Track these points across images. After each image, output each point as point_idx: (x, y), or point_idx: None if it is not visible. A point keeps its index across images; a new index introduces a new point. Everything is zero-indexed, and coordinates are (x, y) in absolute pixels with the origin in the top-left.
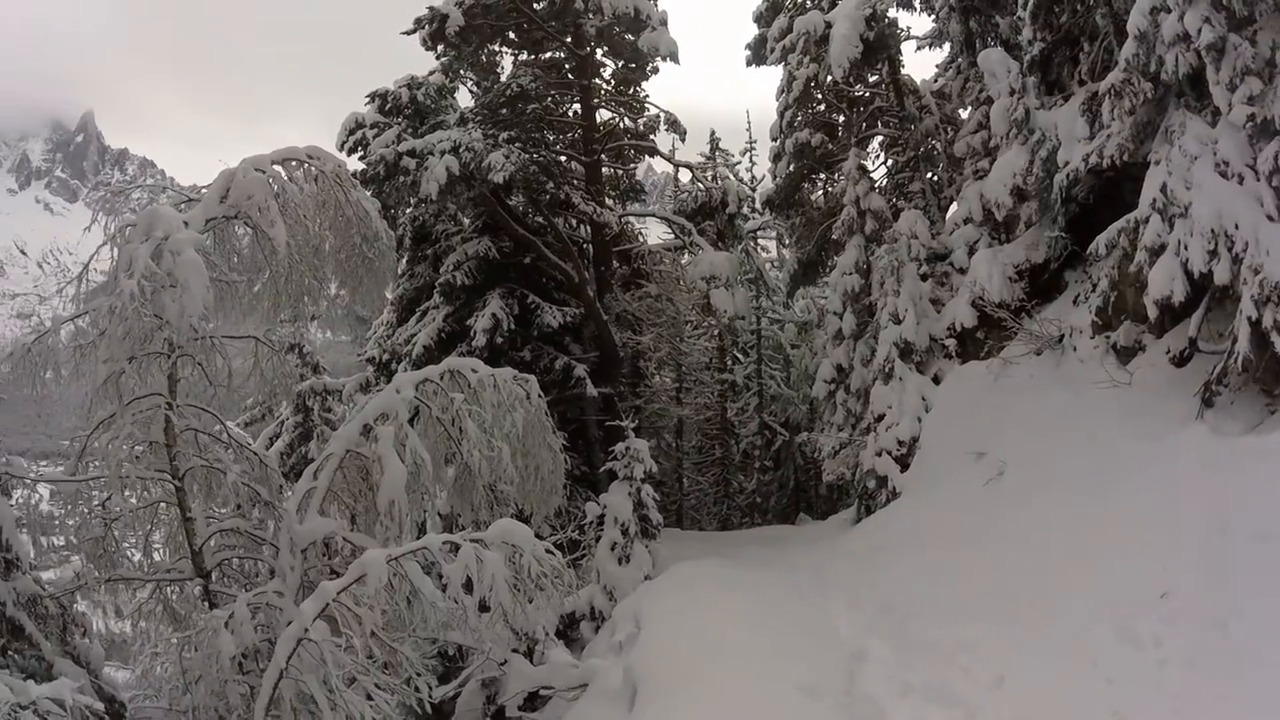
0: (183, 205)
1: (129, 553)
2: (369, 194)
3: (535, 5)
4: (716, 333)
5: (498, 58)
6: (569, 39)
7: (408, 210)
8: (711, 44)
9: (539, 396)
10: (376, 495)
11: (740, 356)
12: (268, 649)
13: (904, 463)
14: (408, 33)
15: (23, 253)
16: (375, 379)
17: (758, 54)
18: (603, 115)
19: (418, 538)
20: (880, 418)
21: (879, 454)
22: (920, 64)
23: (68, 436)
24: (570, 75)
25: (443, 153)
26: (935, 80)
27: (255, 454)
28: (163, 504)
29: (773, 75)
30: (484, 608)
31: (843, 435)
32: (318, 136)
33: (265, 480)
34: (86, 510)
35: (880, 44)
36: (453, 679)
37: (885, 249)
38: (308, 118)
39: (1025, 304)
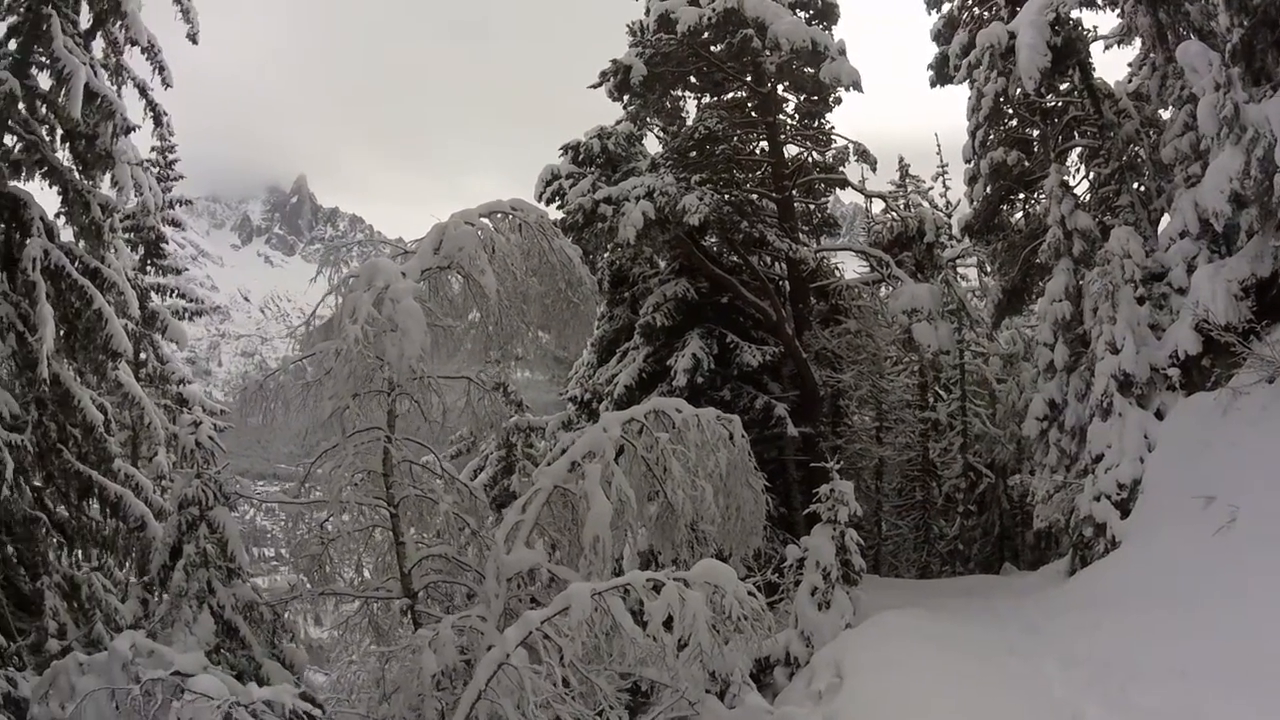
0: (399, 257)
1: (342, 570)
2: (569, 241)
3: (713, 48)
4: (918, 369)
5: (681, 102)
6: (749, 78)
7: (605, 255)
8: (886, 65)
9: (742, 436)
10: (581, 530)
11: (943, 393)
12: (465, 670)
13: (1124, 508)
14: (594, 86)
15: (246, 299)
16: (577, 417)
17: (940, 73)
18: (790, 150)
19: (614, 573)
20: (1099, 458)
21: (1097, 498)
22: (1110, 65)
23: (284, 460)
24: (754, 113)
25: (638, 198)
26: (1129, 80)
27: (465, 486)
28: (377, 528)
29: (958, 94)
30: (680, 645)
31: (1057, 478)
32: (506, 189)
33: (474, 510)
34: (306, 530)
35: (1069, 49)
36: (642, 715)
37: (1097, 271)
38: (495, 172)
39: (1254, 324)
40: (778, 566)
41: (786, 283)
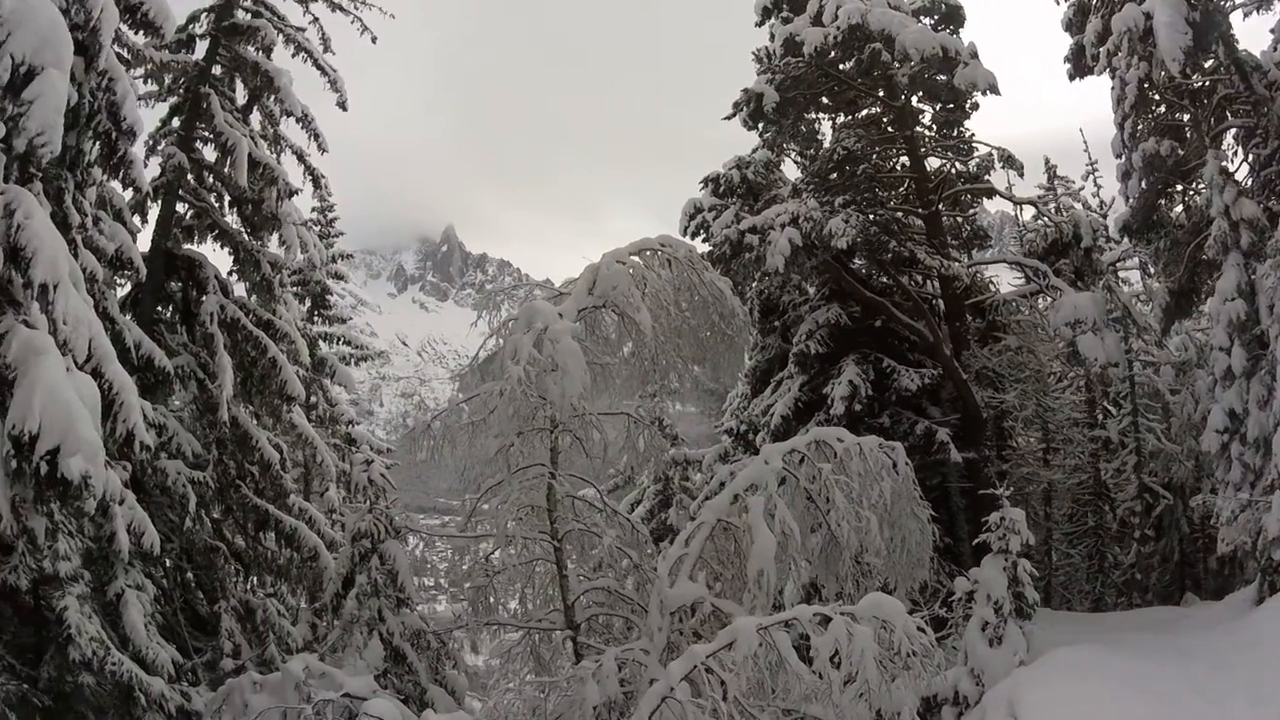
0: (554, 299)
1: (505, 601)
2: (718, 274)
3: (842, 66)
4: (1084, 384)
5: (816, 124)
6: (881, 92)
7: (753, 284)
8: (1018, 62)
9: (906, 464)
10: (744, 563)
11: (1113, 409)
12: (625, 702)
13: None
14: (728, 117)
15: (404, 343)
16: (733, 449)
17: (1078, 64)
18: (931, 163)
19: (774, 607)
20: None
21: None
22: (1252, 34)
23: (443, 495)
24: (890, 128)
25: (783, 225)
26: (1274, 49)
27: (627, 519)
28: (540, 561)
29: (1099, 85)
30: (845, 682)
31: (1241, 496)
32: (644, 225)
33: (635, 544)
34: (471, 562)
35: (1209, 22)
36: None
37: (1270, 264)
38: (631, 209)
39: None
40: (945, 600)
41: (940, 301)
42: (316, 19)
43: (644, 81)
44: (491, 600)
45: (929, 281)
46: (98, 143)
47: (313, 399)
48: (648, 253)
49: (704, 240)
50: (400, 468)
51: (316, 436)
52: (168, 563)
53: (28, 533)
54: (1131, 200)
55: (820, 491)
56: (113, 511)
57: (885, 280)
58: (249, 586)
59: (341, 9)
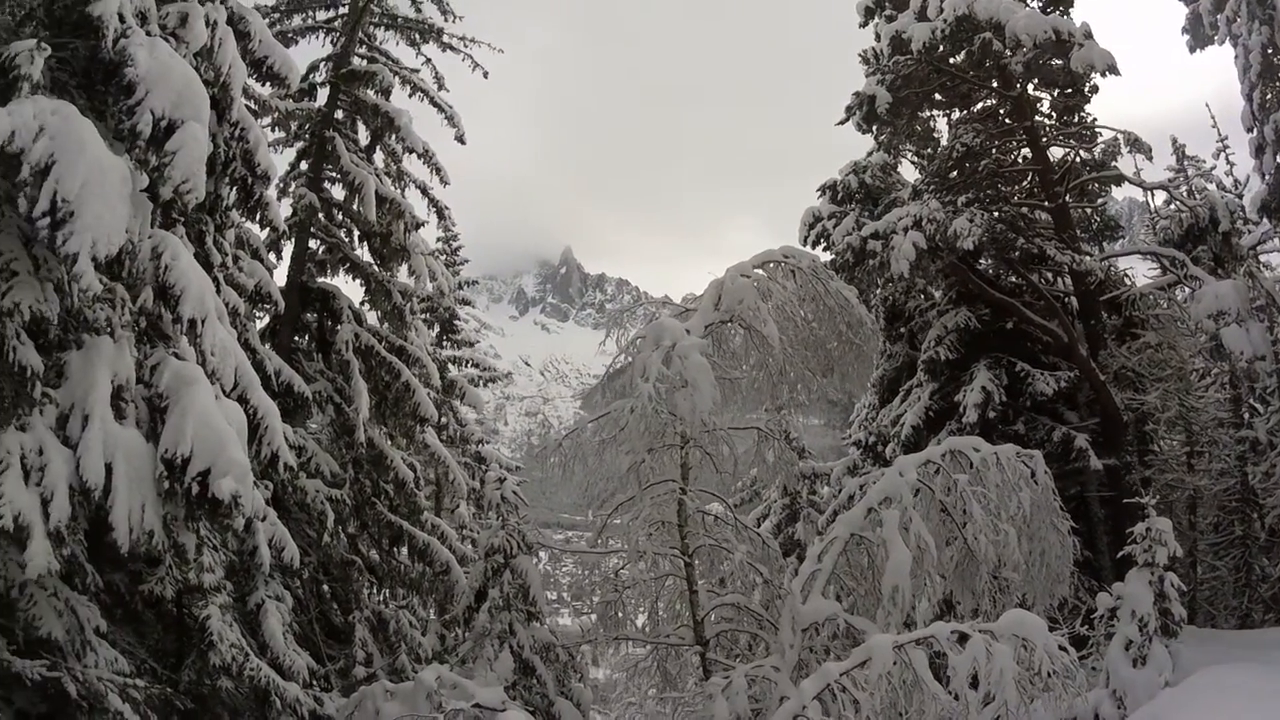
0: (680, 315)
1: (633, 616)
2: (843, 282)
3: (952, 60)
4: (1228, 380)
5: (931, 122)
6: (995, 83)
7: (877, 291)
8: (1133, 38)
9: (1045, 474)
10: (879, 579)
11: (1260, 406)
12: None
13: None
14: (840, 122)
15: (527, 364)
16: (861, 461)
17: (1196, 34)
18: (1054, 153)
19: (906, 624)
20: None
21: None
22: None
23: (566, 510)
24: (1008, 120)
25: (905, 229)
26: None
27: (758, 535)
28: (670, 577)
29: (1221, 56)
30: (983, 703)
31: None
32: (759, 239)
33: (766, 559)
34: (600, 577)
35: None
36: None
37: None
38: (746, 223)
39: None
40: (1085, 617)
41: (1073, 299)
42: (429, 60)
43: (751, 96)
44: (619, 615)
45: (1060, 278)
46: (234, 188)
47: (443, 419)
48: (771, 265)
49: (825, 249)
50: (526, 484)
51: (448, 455)
52: (305, 575)
53: (178, 548)
54: (1268, 177)
55: (956, 504)
56: (255, 527)
57: (1014, 280)
58: (382, 598)
59: (452, 49)
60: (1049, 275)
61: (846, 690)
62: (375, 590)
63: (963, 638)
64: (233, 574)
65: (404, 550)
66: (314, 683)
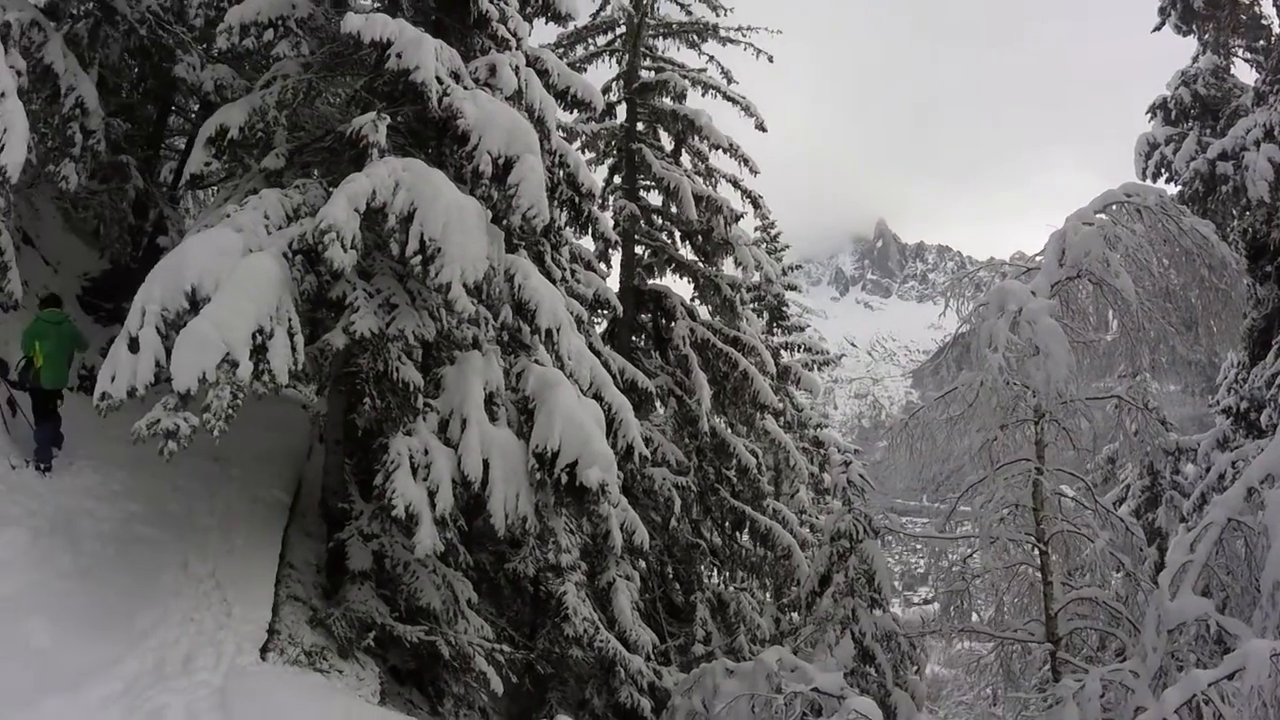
0: (1022, 275)
1: (979, 607)
2: (1197, 217)
3: None
4: None
5: (1256, 8)
6: None
7: (1234, 224)
8: None
9: None
10: (1257, 573)
11: None
12: None
13: None
14: (1157, 27)
15: (853, 345)
16: (1233, 433)
17: None
18: None
19: None
20: None
21: None
22: None
23: (899, 495)
24: None
25: (1256, 143)
26: None
27: (1121, 520)
28: (1023, 565)
29: None
30: None
31: None
32: (1084, 181)
33: (1129, 549)
34: (948, 565)
35: None
36: None
37: None
38: (1064, 164)
39: None
40: None
41: None
42: (712, 57)
43: (1046, 29)
44: (965, 605)
45: None
46: (564, 209)
47: (779, 405)
48: (1114, 207)
49: (1168, 179)
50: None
51: (788, 440)
52: (651, 557)
53: (549, 531)
54: None
55: None
56: (608, 513)
57: None
58: (722, 581)
59: (730, 41)
60: None
61: (1211, 703)
62: (716, 573)
63: None
64: (586, 555)
65: (745, 535)
66: (654, 657)
